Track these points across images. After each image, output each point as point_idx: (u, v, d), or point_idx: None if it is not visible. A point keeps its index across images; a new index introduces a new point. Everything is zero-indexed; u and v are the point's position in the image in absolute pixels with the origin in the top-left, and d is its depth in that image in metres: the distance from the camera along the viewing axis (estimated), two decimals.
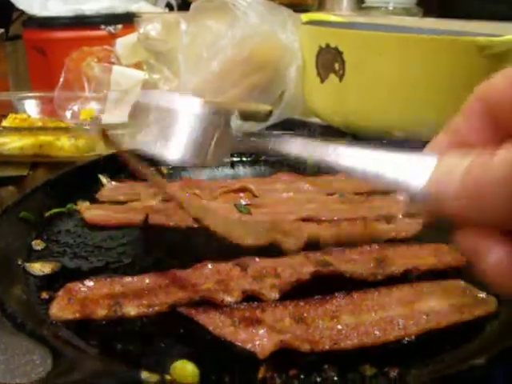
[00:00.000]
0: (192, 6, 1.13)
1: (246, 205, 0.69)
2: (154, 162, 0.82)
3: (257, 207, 0.69)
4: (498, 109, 0.33)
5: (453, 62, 0.89)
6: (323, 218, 0.67)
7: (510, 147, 0.28)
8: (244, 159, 0.87)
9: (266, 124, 1.07)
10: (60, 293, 0.50)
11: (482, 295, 0.51)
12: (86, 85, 1.27)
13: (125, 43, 1.29)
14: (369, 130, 0.98)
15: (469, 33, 1.00)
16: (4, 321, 0.50)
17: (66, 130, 0.92)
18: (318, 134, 1.06)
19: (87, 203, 0.71)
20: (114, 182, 0.77)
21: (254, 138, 0.88)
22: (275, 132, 1.03)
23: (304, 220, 0.66)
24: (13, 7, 1.47)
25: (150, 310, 0.48)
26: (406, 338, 0.46)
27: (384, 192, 0.76)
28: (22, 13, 1.48)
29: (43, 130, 0.91)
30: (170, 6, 1.65)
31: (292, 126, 1.11)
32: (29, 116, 1.08)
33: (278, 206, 0.69)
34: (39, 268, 0.55)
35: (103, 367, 0.40)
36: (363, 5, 1.51)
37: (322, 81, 1.02)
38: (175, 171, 0.83)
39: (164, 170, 0.83)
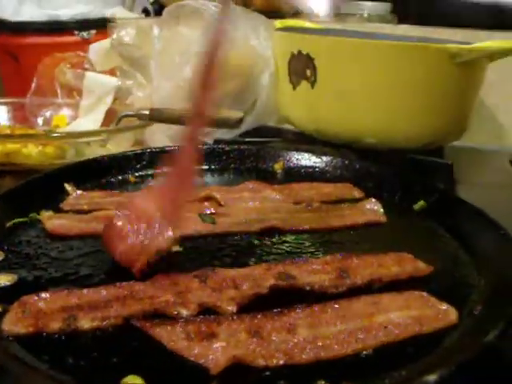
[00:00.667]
0: (164, 11, 1.13)
1: (211, 214, 0.69)
2: (122, 171, 0.82)
3: (221, 216, 0.68)
4: None
5: (425, 68, 0.90)
6: (289, 228, 0.66)
7: None
8: (212, 167, 0.87)
9: (238, 131, 1.07)
10: (14, 306, 0.49)
11: (443, 307, 0.51)
12: (58, 91, 1.25)
13: (98, 49, 1.28)
14: (340, 137, 0.98)
15: (441, 40, 1.01)
16: None
17: (32, 137, 0.91)
18: (291, 141, 1.06)
19: (50, 212, 0.69)
20: (79, 191, 0.75)
21: (226, 145, 0.89)
22: (248, 139, 1.02)
23: (270, 229, 0.66)
24: None
25: (105, 323, 0.47)
26: (364, 352, 0.45)
27: (351, 201, 0.76)
28: None
29: (9, 137, 0.90)
30: (146, 12, 1.64)
31: (265, 134, 1.10)
32: None
33: (242, 215, 0.68)
34: None
35: None
36: (338, 12, 1.52)
37: (294, 88, 1.01)
38: (142, 179, 0.82)
39: (132, 178, 0.82)
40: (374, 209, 0.73)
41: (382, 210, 0.72)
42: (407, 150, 0.97)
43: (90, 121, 1.19)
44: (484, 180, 1.01)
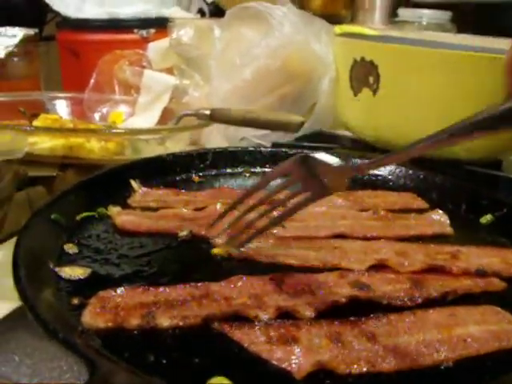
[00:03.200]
0: (227, 12, 1.13)
1: None
2: (185, 170, 0.83)
3: (289, 220, 0.68)
4: None
5: (490, 80, 0.88)
6: (356, 235, 0.66)
7: None
8: None
9: (295, 135, 1.07)
10: (92, 300, 0.49)
11: None
12: (116, 87, 1.27)
13: (157, 48, 1.29)
14: (399, 146, 0.96)
15: (504, 50, 0.99)
16: (29, 323, 0.49)
17: (97, 132, 0.92)
18: (351, 147, 1.06)
19: (118, 208, 0.70)
20: (144, 188, 0.76)
21: (288, 149, 0.89)
22: (306, 144, 1.02)
23: (337, 236, 0.66)
24: (47, 8, 1.48)
25: (183, 322, 0.47)
26: (444, 364, 0.45)
27: (416, 211, 0.75)
28: (57, 14, 1.48)
29: (74, 131, 0.91)
30: (201, 12, 1.65)
31: (322, 139, 1.10)
32: (60, 117, 1.08)
33: (311, 221, 0.68)
34: (70, 272, 0.55)
35: (139, 382, 0.39)
36: (396, 19, 1.51)
37: (355, 94, 1.01)
38: (206, 180, 0.83)
39: (195, 177, 0.82)
40: (440, 220, 0.72)
41: (448, 221, 0.72)
42: (464, 162, 0.96)
43: (147, 118, 1.20)
44: None
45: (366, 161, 0.55)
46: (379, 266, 0.58)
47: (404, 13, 1.48)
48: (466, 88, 0.89)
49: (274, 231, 0.65)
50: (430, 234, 0.69)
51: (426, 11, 1.45)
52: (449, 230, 0.70)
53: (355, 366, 0.43)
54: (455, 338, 0.47)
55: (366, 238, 0.66)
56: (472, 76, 0.88)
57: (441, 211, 0.73)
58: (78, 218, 0.66)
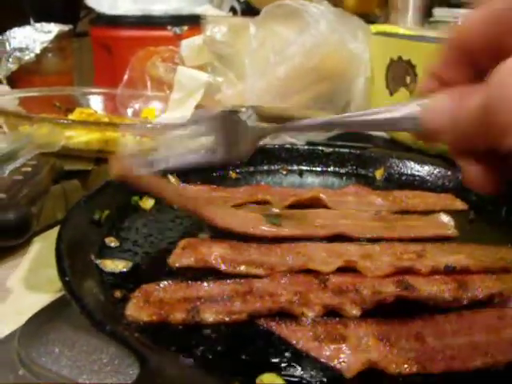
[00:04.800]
0: (263, 10, 1.13)
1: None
2: (222, 166, 0.82)
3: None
4: (471, 51, 0.38)
5: None
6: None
7: (481, 92, 0.34)
8: (313, 168, 0.86)
9: (329, 134, 1.06)
10: (136, 293, 0.49)
11: None
12: (148, 84, 1.27)
13: (190, 45, 1.29)
14: (435, 148, 0.96)
15: None
16: (69, 315, 0.50)
17: (133, 127, 0.92)
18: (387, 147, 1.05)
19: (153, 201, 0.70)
20: (182, 184, 0.76)
21: (325, 147, 0.88)
22: (340, 143, 1.01)
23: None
24: (81, 4, 1.49)
25: (228, 318, 0.47)
26: (495, 367, 0.44)
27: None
28: (90, 10, 1.49)
29: (111, 125, 0.91)
30: (233, 10, 1.65)
31: (355, 138, 1.09)
32: (95, 111, 1.08)
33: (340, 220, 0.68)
34: (111, 265, 0.55)
35: (193, 375, 0.39)
36: (431, 19, 1.49)
37: (391, 94, 1.00)
38: (243, 176, 0.82)
39: (233, 174, 0.82)
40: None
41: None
42: None
43: (179, 115, 1.20)
44: None
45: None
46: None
47: (440, 13, 1.46)
48: None
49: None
50: None
51: (461, 10, 1.43)
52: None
53: (405, 365, 0.42)
54: (505, 341, 0.46)
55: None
56: None
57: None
58: (117, 211, 0.66)
